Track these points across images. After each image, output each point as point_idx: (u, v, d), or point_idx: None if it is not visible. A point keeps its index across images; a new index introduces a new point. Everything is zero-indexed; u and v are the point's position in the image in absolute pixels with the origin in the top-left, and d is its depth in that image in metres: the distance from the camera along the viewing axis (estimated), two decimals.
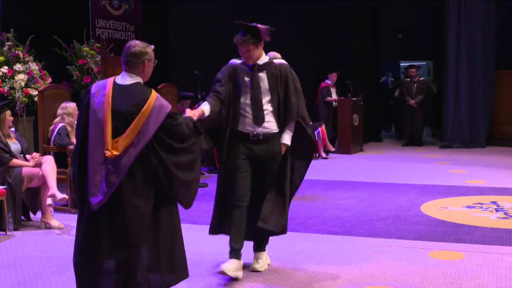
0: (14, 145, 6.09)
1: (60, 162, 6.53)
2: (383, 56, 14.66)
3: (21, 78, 7.81)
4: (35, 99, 7.61)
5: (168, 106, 3.46)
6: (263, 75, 4.37)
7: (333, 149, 11.09)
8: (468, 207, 6.61)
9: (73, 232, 3.93)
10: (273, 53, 5.31)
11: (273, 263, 4.67)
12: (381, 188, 7.77)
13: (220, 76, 4.41)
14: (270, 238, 4.62)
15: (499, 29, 12.07)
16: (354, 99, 11.45)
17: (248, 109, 4.36)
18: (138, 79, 3.52)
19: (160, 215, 3.48)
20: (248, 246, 4.55)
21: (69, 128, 6.72)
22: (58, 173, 6.14)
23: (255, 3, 11.96)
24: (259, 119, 4.34)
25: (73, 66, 8.89)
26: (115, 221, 3.38)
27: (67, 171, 6.54)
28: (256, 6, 11.83)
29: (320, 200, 7.10)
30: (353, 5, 12.50)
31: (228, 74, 4.39)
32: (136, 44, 3.54)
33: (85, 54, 8.90)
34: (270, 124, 4.38)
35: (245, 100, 4.36)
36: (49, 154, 6.64)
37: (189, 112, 3.80)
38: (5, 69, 7.82)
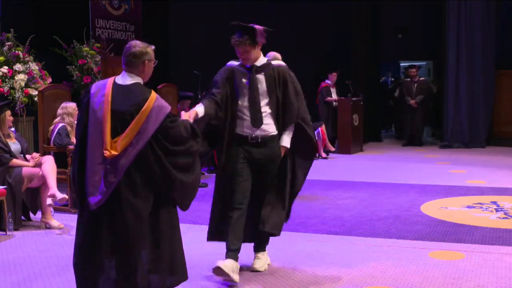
0: (14, 145, 6.09)
1: (60, 162, 6.53)
2: (383, 56, 14.66)
3: (21, 78, 7.81)
4: (35, 99, 7.61)
5: (167, 107, 3.45)
6: (261, 77, 4.33)
7: (333, 149, 11.10)
8: (468, 207, 6.61)
9: (73, 232, 3.93)
10: (273, 53, 5.30)
11: (273, 263, 4.66)
12: (381, 188, 7.77)
13: (217, 78, 4.36)
14: (270, 238, 4.61)
15: (499, 29, 12.07)
16: (354, 99, 11.45)
17: (246, 111, 4.31)
18: (138, 79, 3.52)
19: (160, 215, 3.48)
20: (248, 246, 4.55)
21: (69, 128, 6.72)
22: (58, 173, 6.14)
23: (255, 3, 11.96)
24: (257, 121, 4.30)
25: (73, 66, 8.88)
26: (115, 221, 3.38)
27: (67, 171, 6.54)
28: (256, 6, 11.83)
29: (320, 200, 7.10)
30: (353, 5, 12.51)
31: (226, 76, 4.34)
32: (137, 44, 3.54)
33: (85, 54, 8.89)
34: (269, 126, 4.33)
35: (243, 102, 4.31)
36: (49, 154, 6.64)
37: (184, 115, 3.78)
38: (5, 69, 7.82)
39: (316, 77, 11.73)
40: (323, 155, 10.69)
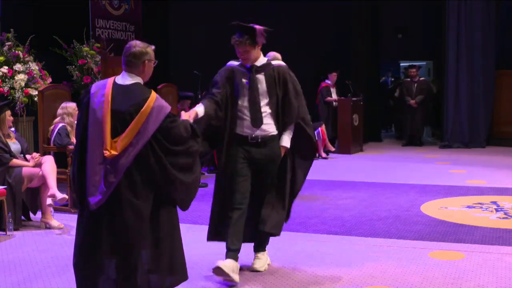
0: (14, 145, 6.09)
1: (60, 162, 6.53)
2: (383, 56, 14.66)
3: (21, 78, 7.81)
4: (35, 99, 7.61)
5: (167, 107, 3.45)
6: (261, 77, 4.32)
7: (333, 149, 11.10)
8: (468, 207, 6.61)
9: (73, 232, 3.93)
10: (273, 53, 5.30)
11: (273, 263, 4.66)
12: (381, 188, 7.77)
13: (217, 78, 4.36)
14: (270, 238, 4.61)
15: (499, 29, 12.08)
16: (354, 99, 11.45)
17: (246, 111, 4.30)
18: (138, 79, 3.52)
19: (160, 215, 3.48)
20: (248, 246, 4.55)
21: (69, 128, 6.72)
22: (58, 173, 6.14)
23: (255, 3, 11.96)
24: (257, 121, 4.29)
25: (73, 66, 8.88)
26: (115, 221, 3.38)
27: (67, 171, 6.54)
28: (256, 6, 11.84)
29: (320, 200, 7.10)
30: (353, 5, 12.51)
31: (226, 76, 4.33)
32: (137, 44, 3.54)
33: (85, 54, 8.89)
34: (269, 126, 4.33)
35: (243, 102, 4.31)
36: (49, 154, 6.64)
37: (184, 115, 3.78)
38: (5, 69, 7.82)
39: (316, 77, 11.73)
40: (323, 155, 10.69)
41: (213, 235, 4.45)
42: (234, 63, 4.43)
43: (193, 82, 9.83)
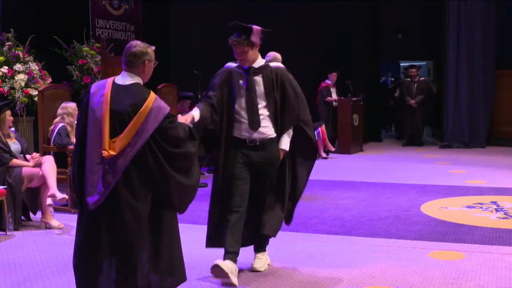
0: (14, 145, 6.09)
1: (60, 162, 6.53)
2: (383, 56, 14.67)
3: (21, 78, 7.81)
4: (35, 99, 7.61)
5: (166, 108, 3.44)
6: (258, 79, 4.27)
7: (333, 149, 11.10)
8: (468, 207, 6.61)
9: (73, 232, 3.93)
10: (273, 53, 5.30)
11: (273, 263, 4.66)
12: (381, 188, 7.77)
13: (214, 81, 4.33)
14: (270, 238, 4.61)
15: (499, 29, 12.08)
16: (354, 99, 11.45)
17: (244, 114, 4.25)
18: (138, 80, 3.51)
19: (159, 215, 3.48)
20: (247, 250, 4.53)
21: (69, 128, 6.72)
22: (58, 173, 6.14)
23: (255, 3, 11.96)
24: (254, 123, 4.24)
25: (73, 66, 8.88)
26: (113, 221, 3.38)
27: (67, 171, 6.54)
28: (256, 6, 11.84)
29: (320, 200, 7.10)
30: (353, 5, 12.51)
31: (223, 79, 4.30)
32: (137, 44, 3.54)
33: (85, 54, 8.90)
34: (267, 129, 4.28)
35: (240, 104, 4.26)
36: (49, 154, 6.64)
37: (180, 118, 3.72)
38: (5, 69, 7.82)
39: (316, 77, 11.73)
40: (323, 155, 10.69)
41: (212, 242, 4.39)
42: (232, 64, 4.38)
43: (193, 82, 9.83)
